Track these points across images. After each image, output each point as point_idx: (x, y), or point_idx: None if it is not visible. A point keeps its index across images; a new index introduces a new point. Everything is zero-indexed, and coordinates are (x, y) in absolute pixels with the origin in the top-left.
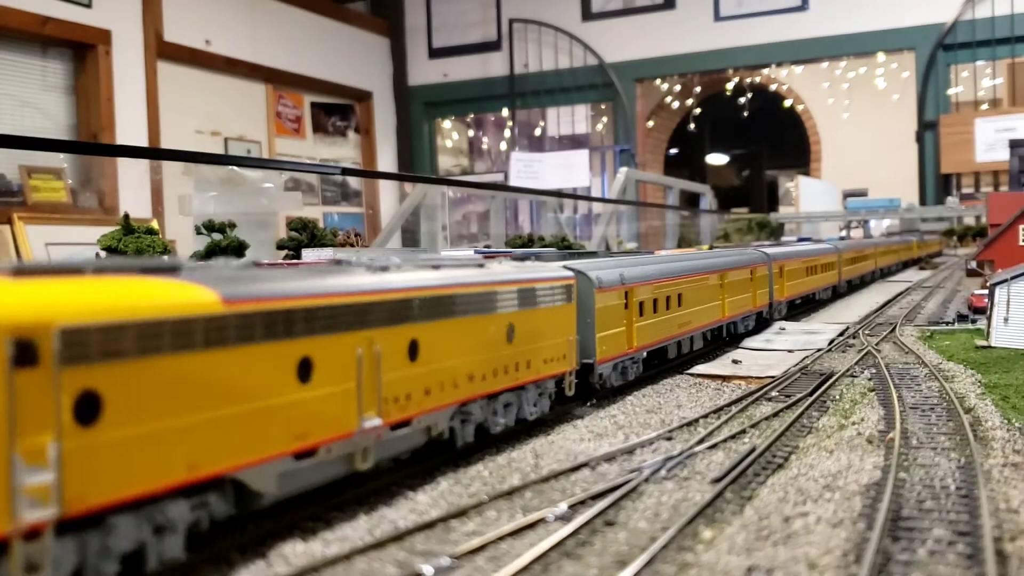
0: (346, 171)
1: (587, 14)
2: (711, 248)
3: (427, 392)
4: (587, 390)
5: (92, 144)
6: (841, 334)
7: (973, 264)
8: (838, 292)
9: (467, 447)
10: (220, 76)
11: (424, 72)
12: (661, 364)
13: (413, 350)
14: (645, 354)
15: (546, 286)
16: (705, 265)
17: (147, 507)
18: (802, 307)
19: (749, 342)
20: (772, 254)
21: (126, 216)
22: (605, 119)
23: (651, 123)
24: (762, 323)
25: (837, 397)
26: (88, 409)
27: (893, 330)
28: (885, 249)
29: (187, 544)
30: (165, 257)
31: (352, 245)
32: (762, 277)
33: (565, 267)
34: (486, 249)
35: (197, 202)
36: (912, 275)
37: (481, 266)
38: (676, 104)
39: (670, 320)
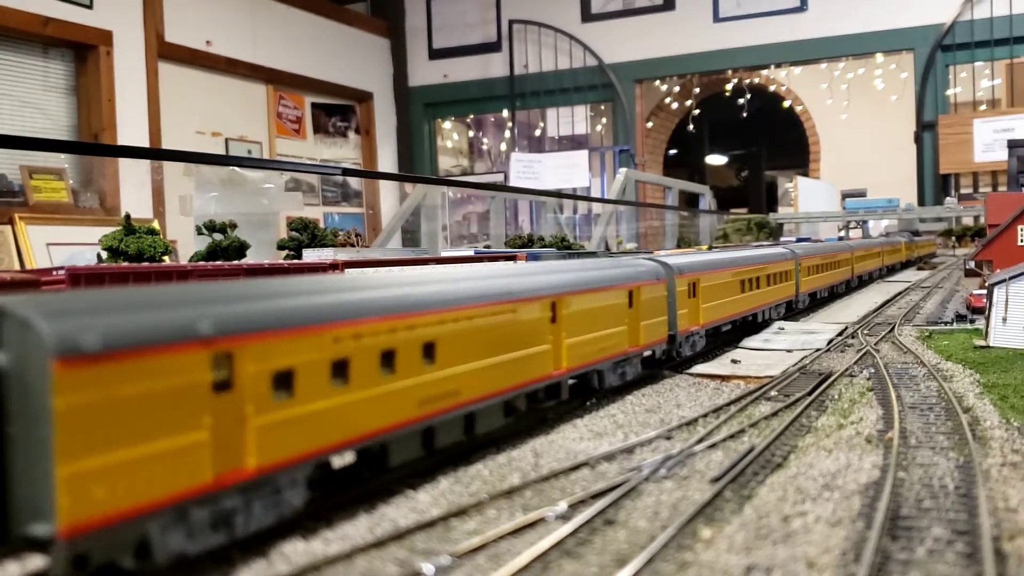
0: (347, 171)
1: (587, 15)
2: (709, 248)
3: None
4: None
5: (93, 144)
6: (840, 334)
7: (972, 264)
8: (795, 308)
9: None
10: (221, 77)
11: (424, 73)
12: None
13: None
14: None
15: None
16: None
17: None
18: (733, 333)
19: (748, 342)
20: (677, 265)
21: (127, 216)
22: (605, 120)
23: (650, 124)
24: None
25: (836, 397)
26: None
27: (892, 330)
28: (865, 252)
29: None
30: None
31: (352, 245)
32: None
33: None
34: (486, 250)
35: (198, 202)
36: (911, 275)
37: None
38: (675, 105)
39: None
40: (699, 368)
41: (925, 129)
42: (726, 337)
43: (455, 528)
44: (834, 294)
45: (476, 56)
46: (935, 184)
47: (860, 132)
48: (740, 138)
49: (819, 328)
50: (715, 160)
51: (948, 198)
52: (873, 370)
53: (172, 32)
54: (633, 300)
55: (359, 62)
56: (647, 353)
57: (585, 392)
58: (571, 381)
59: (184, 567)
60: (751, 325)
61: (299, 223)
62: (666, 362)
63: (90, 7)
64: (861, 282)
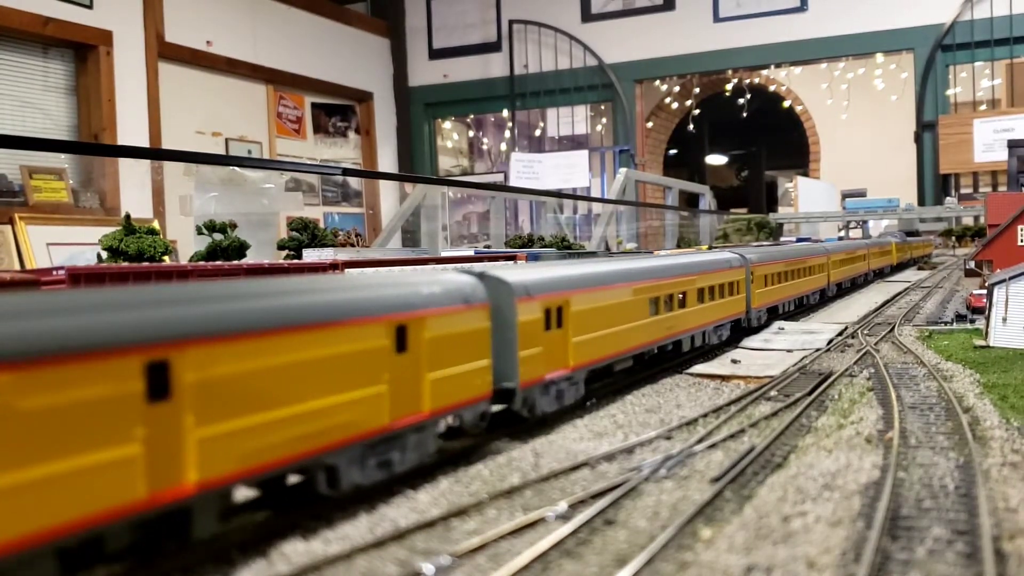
0: (347, 171)
1: (587, 15)
2: (709, 248)
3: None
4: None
5: (93, 144)
6: (840, 334)
7: (972, 264)
8: (748, 326)
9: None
10: (221, 77)
11: (424, 73)
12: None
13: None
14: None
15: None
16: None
17: None
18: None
19: (748, 342)
20: (522, 283)
21: (127, 216)
22: (605, 120)
23: (650, 124)
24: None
25: (836, 397)
26: None
27: (892, 330)
28: (847, 255)
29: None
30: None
31: (353, 245)
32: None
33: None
34: (486, 250)
35: (198, 202)
36: (911, 275)
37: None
38: (675, 105)
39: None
40: (699, 368)
41: (925, 129)
42: (641, 373)
43: (455, 528)
44: (805, 305)
45: (476, 56)
46: (935, 184)
47: (860, 132)
48: (740, 138)
49: (819, 328)
50: (715, 160)
51: (948, 198)
52: (873, 370)
53: (172, 32)
54: (409, 340)
55: (359, 62)
56: (450, 422)
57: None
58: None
59: (184, 567)
60: (675, 354)
61: (299, 223)
62: (509, 426)
63: (90, 7)
64: (841, 290)
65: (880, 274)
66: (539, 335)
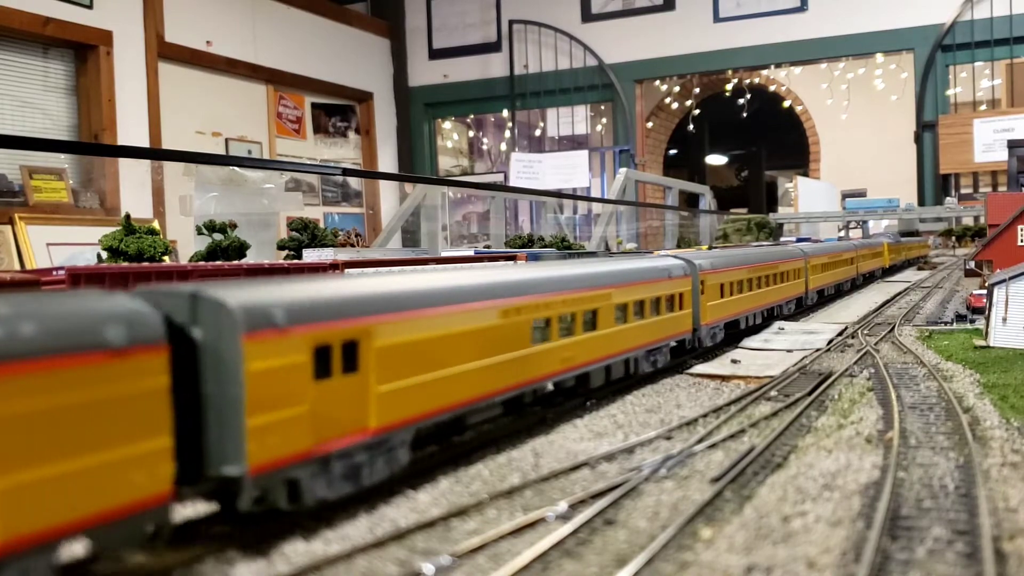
0: (347, 171)
1: (587, 15)
2: (710, 248)
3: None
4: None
5: (93, 144)
6: (840, 334)
7: (972, 264)
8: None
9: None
10: (221, 77)
11: (424, 73)
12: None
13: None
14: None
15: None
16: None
17: None
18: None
19: (748, 342)
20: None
21: (127, 216)
22: (605, 120)
23: (650, 124)
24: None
25: (836, 397)
26: None
27: (892, 330)
28: (829, 259)
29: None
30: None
31: (353, 245)
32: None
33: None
34: (486, 250)
35: (198, 202)
36: (911, 275)
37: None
38: (675, 105)
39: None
40: (699, 368)
41: (925, 129)
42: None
43: (455, 528)
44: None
45: (476, 56)
46: (935, 184)
47: (860, 132)
48: (740, 138)
49: (819, 328)
50: (715, 160)
51: (948, 198)
52: (873, 370)
53: (172, 32)
54: None
55: (359, 62)
56: None
57: None
58: None
59: (184, 567)
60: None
61: (299, 223)
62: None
63: (90, 7)
64: (823, 298)
65: (867, 278)
66: (300, 387)
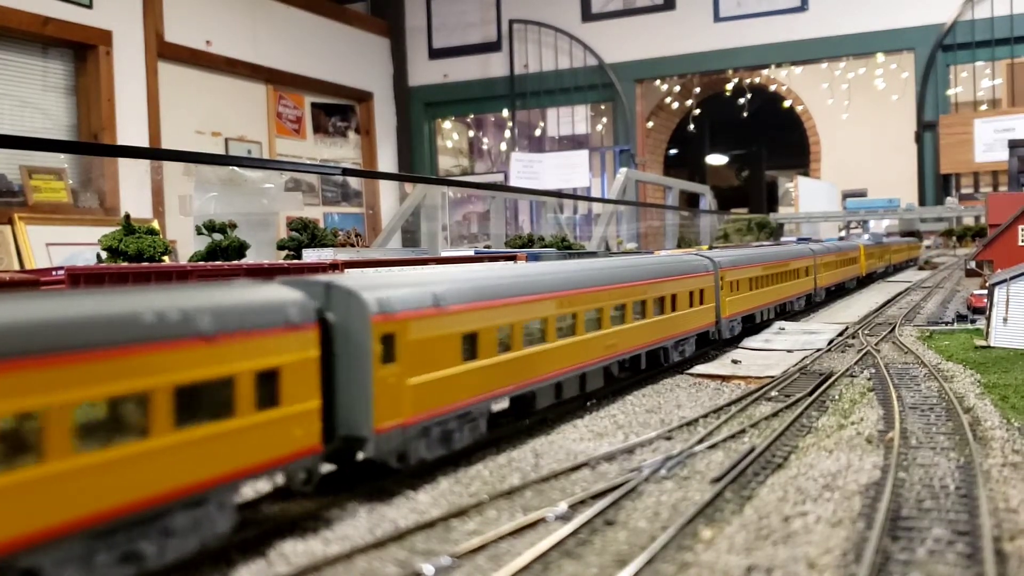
0: (346, 171)
1: (587, 15)
2: (710, 248)
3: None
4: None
5: (93, 144)
6: (840, 334)
7: (972, 264)
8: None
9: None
10: (221, 76)
11: (424, 73)
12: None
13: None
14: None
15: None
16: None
17: None
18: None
19: (748, 342)
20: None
21: (127, 216)
22: (605, 120)
23: (651, 123)
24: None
25: (836, 397)
26: None
27: (892, 330)
28: (781, 267)
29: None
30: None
31: (352, 245)
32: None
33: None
34: (486, 250)
35: (198, 202)
36: (911, 275)
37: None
38: (676, 104)
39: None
40: (700, 368)
41: (926, 129)
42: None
43: (455, 528)
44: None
45: (476, 56)
46: (936, 184)
47: (861, 132)
48: (740, 138)
49: (820, 328)
50: (715, 160)
51: (949, 198)
52: (874, 370)
53: (172, 32)
54: None
55: (359, 62)
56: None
57: None
58: None
59: (184, 567)
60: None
61: (299, 223)
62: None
63: (90, 7)
64: (783, 313)
65: (839, 291)
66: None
